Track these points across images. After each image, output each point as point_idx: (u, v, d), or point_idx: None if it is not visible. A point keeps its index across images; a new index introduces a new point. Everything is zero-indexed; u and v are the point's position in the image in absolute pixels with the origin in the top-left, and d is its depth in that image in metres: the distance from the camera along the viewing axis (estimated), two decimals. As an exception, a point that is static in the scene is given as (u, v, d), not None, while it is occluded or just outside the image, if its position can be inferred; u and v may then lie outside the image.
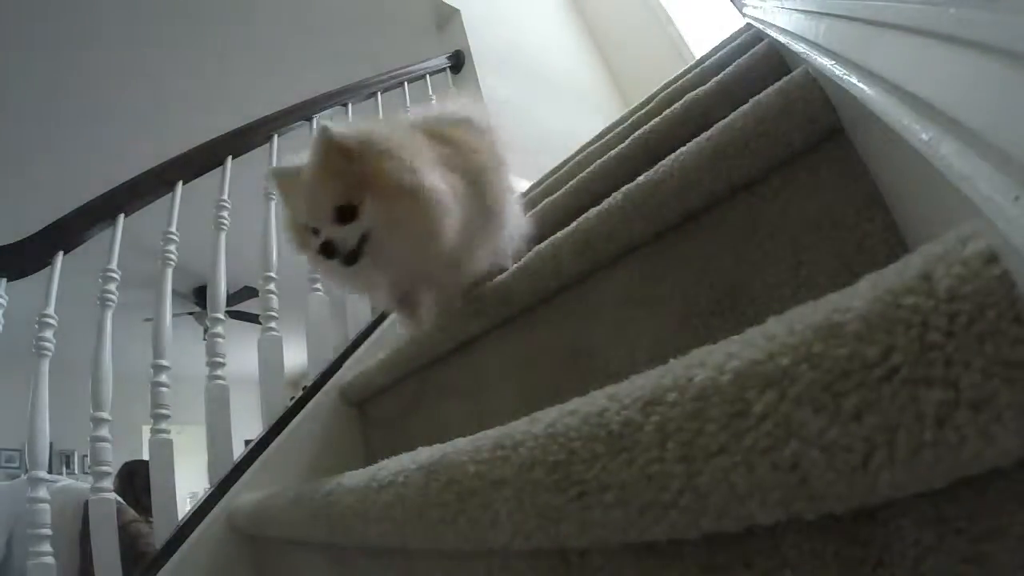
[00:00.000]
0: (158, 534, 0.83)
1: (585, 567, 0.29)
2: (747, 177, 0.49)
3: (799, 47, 0.49)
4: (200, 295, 3.71)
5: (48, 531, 0.78)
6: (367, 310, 1.20)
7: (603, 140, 1.19)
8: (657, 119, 0.81)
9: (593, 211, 0.62)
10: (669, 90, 1.07)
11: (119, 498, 1.18)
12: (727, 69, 0.71)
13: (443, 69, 1.88)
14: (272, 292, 1.08)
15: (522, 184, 1.72)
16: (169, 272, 1.02)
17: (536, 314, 0.69)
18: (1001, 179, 0.16)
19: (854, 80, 0.33)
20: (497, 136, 0.71)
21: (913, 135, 0.23)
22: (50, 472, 0.83)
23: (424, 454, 0.36)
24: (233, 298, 3.51)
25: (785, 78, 0.48)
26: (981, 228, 0.17)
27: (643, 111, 1.11)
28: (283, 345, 1.05)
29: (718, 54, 1.02)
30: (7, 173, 2.49)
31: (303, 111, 1.33)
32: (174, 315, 1.05)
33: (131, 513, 1.44)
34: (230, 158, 1.17)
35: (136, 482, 1.73)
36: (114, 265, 0.97)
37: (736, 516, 0.20)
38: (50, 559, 0.77)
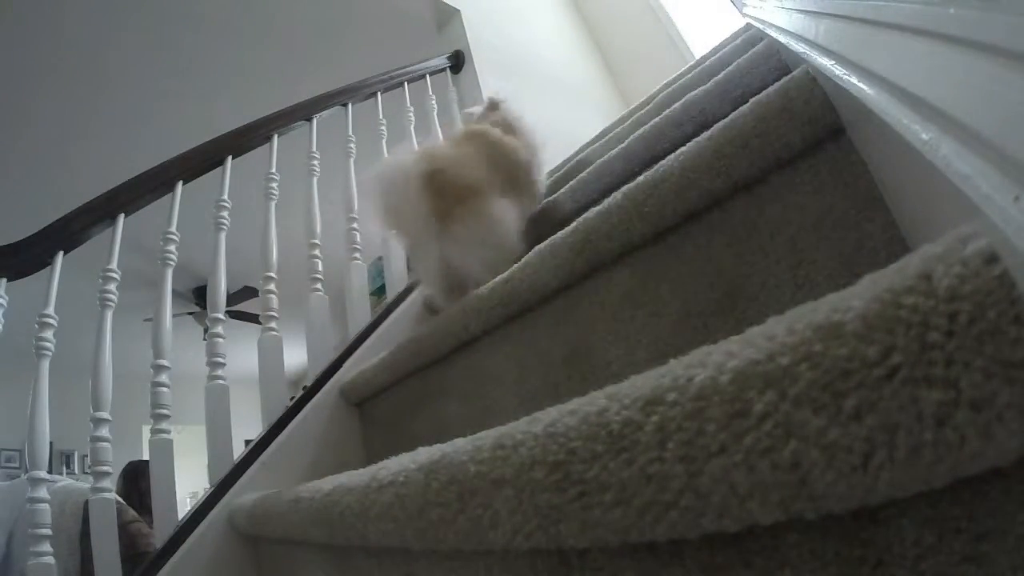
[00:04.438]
0: (158, 534, 0.83)
1: (585, 567, 0.29)
2: (747, 177, 0.49)
3: (799, 47, 0.49)
4: (200, 295, 3.71)
5: (48, 531, 0.78)
6: (367, 310, 1.20)
7: (603, 140, 1.19)
8: (657, 119, 0.81)
9: (593, 211, 0.62)
10: (669, 90, 1.07)
11: (119, 498, 1.18)
12: (727, 69, 0.71)
13: (443, 69, 1.88)
14: (272, 292, 1.08)
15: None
16: (169, 272, 1.02)
17: (536, 314, 0.69)
18: (1001, 179, 0.16)
19: (854, 80, 0.33)
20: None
21: (913, 135, 0.23)
22: (50, 472, 0.83)
23: (424, 454, 0.36)
24: (233, 298, 3.51)
25: (785, 78, 0.48)
26: (981, 228, 0.17)
27: (643, 111, 1.11)
28: (283, 345, 1.05)
29: (718, 54, 1.02)
30: (7, 173, 2.49)
31: (303, 111, 1.33)
32: (174, 315, 1.05)
33: (131, 513, 1.43)
34: (230, 158, 1.17)
35: (141, 482, 1.73)
36: (114, 265, 0.97)
37: (736, 516, 0.20)
38: (50, 559, 0.77)
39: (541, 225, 0.98)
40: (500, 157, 0.87)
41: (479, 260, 0.75)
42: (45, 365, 0.87)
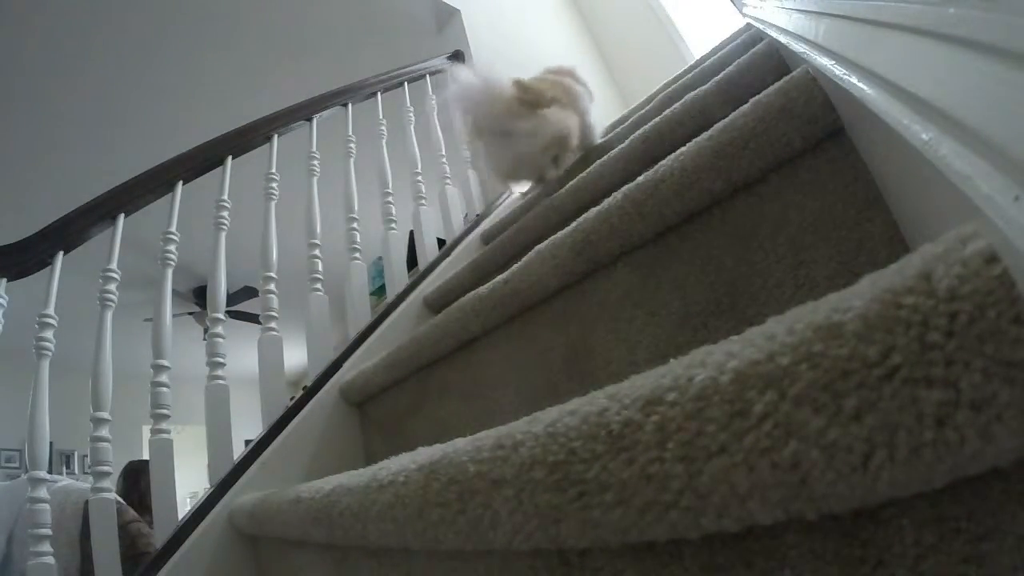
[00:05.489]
0: (158, 534, 0.83)
1: (585, 567, 0.29)
2: (747, 177, 0.49)
3: (799, 47, 0.49)
4: (200, 295, 3.71)
5: (48, 531, 0.78)
6: (367, 310, 1.20)
7: (603, 139, 1.19)
8: (657, 119, 0.81)
9: (593, 211, 0.62)
10: (669, 90, 1.07)
11: (119, 498, 1.17)
12: (727, 69, 0.71)
13: (443, 69, 1.88)
14: (272, 292, 1.08)
15: (522, 184, 1.72)
16: (169, 272, 1.02)
17: (536, 314, 0.69)
18: (1001, 179, 0.16)
19: (854, 80, 0.33)
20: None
21: (913, 135, 0.23)
22: (50, 472, 0.83)
23: (424, 454, 0.36)
24: (233, 298, 3.52)
25: (785, 78, 0.48)
26: (981, 228, 0.17)
27: (643, 111, 1.11)
28: (283, 345, 1.05)
29: (718, 54, 1.02)
30: (7, 173, 2.49)
31: (303, 111, 1.33)
32: (174, 315, 1.05)
33: (131, 513, 1.43)
34: (230, 158, 1.17)
35: (141, 482, 1.73)
36: (114, 265, 0.97)
37: (736, 516, 0.20)
38: (50, 559, 0.77)
39: (541, 223, 0.98)
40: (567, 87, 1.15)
41: (537, 146, 1.00)
42: (45, 365, 0.87)
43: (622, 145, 0.86)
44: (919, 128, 0.22)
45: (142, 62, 2.25)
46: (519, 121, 0.99)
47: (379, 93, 1.54)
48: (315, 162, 1.28)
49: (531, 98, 1.01)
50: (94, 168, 2.48)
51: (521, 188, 1.24)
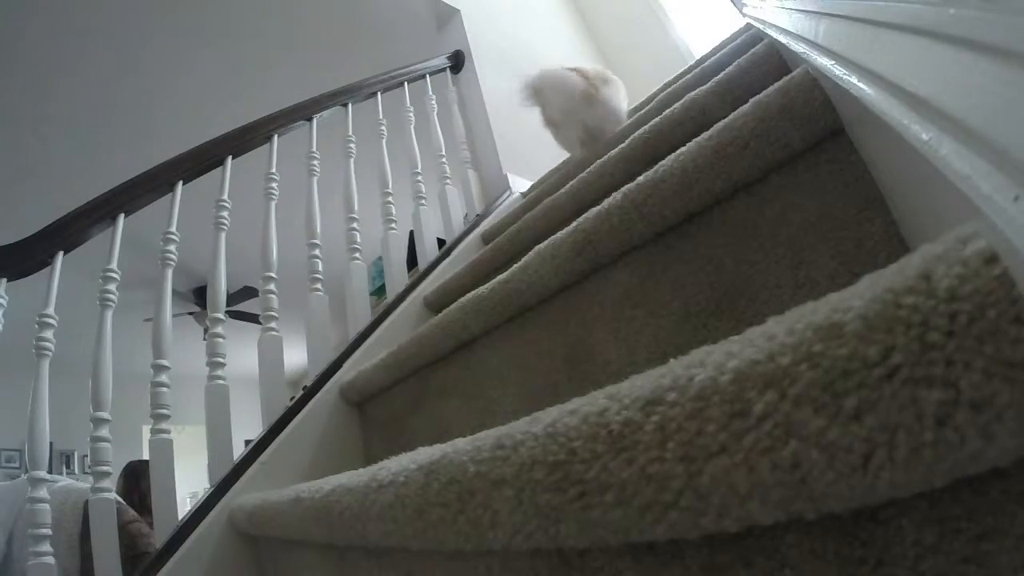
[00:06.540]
0: (158, 534, 0.83)
1: (585, 567, 0.29)
2: (747, 177, 0.49)
3: (799, 47, 0.49)
4: (200, 295, 3.71)
5: (48, 531, 0.78)
6: (367, 310, 1.20)
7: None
8: (657, 119, 0.81)
9: (593, 211, 0.62)
10: (669, 90, 1.07)
11: (119, 498, 1.17)
12: (727, 69, 0.71)
13: (443, 69, 1.87)
14: (272, 292, 1.08)
15: (522, 184, 1.72)
16: (169, 272, 1.02)
17: (536, 314, 0.69)
18: (1001, 179, 0.16)
19: (854, 80, 0.33)
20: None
21: (913, 135, 0.23)
22: (50, 472, 0.83)
23: (424, 454, 0.36)
24: (233, 298, 3.52)
25: (785, 78, 0.48)
26: (981, 228, 0.17)
27: (643, 111, 1.11)
28: (283, 345, 1.05)
29: (718, 54, 1.02)
30: (7, 173, 2.49)
31: (303, 111, 1.33)
32: (174, 315, 1.05)
33: (131, 513, 1.43)
34: (230, 158, 1.17)
35: (141, 482, 1.73)
36: (114, 265, 0.97)
37: (736, 516, 0.20)
38: (50, 559, 0.77)
39: (541, 223, 0.98)
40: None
41: (612, 120, 1.19)
42: (45, 365, 0.87)
43: (622, 145, 0.86)
44: (919, 128, 0.22)
45: (142, 61, 2.24)
46: (589, 108, 1.19)
47: (379, 93, 1.54)
48: (315, 162, 1.28)
49: (592, 81, 1.19)
50: (93, 168, 2.49)
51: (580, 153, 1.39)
